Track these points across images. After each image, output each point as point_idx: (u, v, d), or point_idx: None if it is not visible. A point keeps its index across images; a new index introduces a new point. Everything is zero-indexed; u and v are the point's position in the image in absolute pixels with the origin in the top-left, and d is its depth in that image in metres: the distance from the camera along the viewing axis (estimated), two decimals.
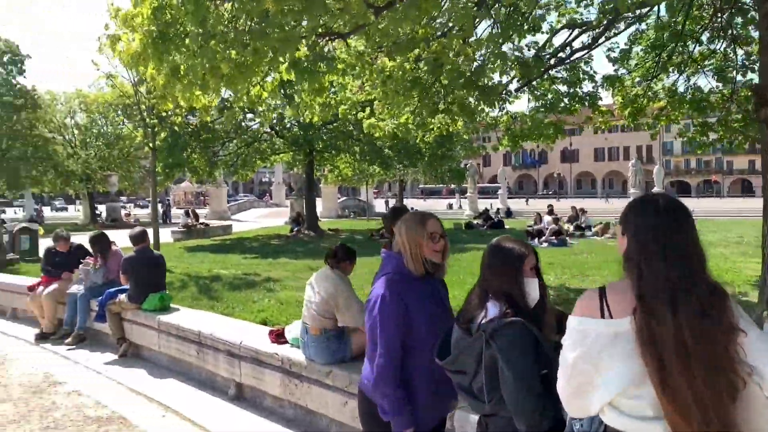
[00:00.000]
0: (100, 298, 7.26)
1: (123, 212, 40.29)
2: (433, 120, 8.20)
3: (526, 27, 6.84)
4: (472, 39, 5.62)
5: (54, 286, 8.14)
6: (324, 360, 4.62)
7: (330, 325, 4.67)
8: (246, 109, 16.58)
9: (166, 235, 24.21)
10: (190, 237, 23.63)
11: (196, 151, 20.40)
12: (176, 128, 17.11)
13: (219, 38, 4.25)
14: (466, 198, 44.27)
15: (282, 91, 13.88)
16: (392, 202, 55.22)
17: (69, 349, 7.45)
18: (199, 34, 4.22)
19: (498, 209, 38.74)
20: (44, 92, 35.89)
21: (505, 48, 6.11)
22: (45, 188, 36.55)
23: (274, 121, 21.67)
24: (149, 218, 40.18)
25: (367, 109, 9.92)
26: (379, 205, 52.54)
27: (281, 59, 4.47)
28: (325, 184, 35.60)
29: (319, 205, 40.15)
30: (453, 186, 78.30)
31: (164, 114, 13.46)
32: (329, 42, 5.47)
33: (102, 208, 40.38)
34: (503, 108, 9.55)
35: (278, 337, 5.30)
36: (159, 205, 42.99)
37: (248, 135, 22.83)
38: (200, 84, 4.69)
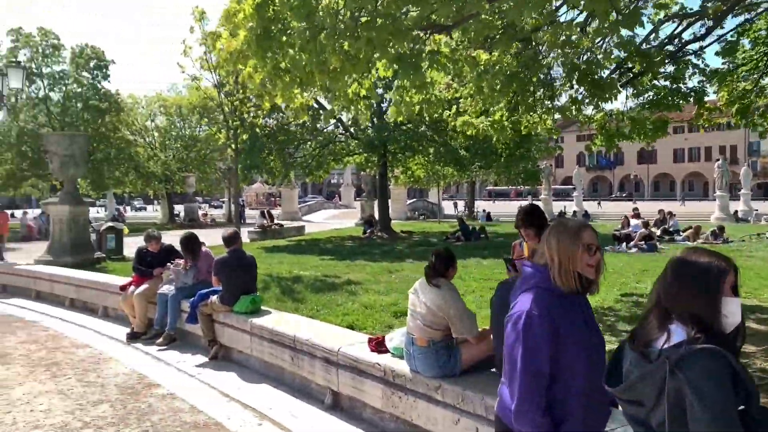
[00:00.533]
0: (192, 299, 7.23)
1: (200, 212, 41.45)
2: (525, 117, 7.80)
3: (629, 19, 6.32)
4: (590, 27, 5.21)
5: (145, 286, 8.20)
6: (432, 373, 4.32)
7: (438, 336, 4.37)
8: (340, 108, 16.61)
9: (242, 235, 24.64)
10: (265, 237, 23.92)
11: (273, 153, 20.58)
12: (257, 130, 17.29)
13: (328, 32, 4.03)
14: (540, 200, 43.13)
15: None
16: (461, 204, 54.55)
17: (160, 350, 7.47)
18: (306, 28, 4.01)
19: (574, 212, 37.59)
20: (126, 96, 37.38)
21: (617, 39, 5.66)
22: (127, 189, 38.06)
23: (349, 122, 21.67)
24: (224, 218, 41.36)
25: (453, 108, 9.58)
26: (448, 207, 51.99)
27: (392, 51, 4.21)
28: (395, 185, 35.47)
29: (390, 206, 40.03)
30: (521, 188, 76.84)
31: (246, 116, 13.57)
32: (430, 36, 5.19)
33: (179, 208, 41.71)
34: (598, 104, 9.04)
35: (378, 345, 5.04)
36: (232, 206, 44.13)
37: (323, 137, 22.92)
38: (304, 81, 4.50)
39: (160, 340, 7.60)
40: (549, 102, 8.88)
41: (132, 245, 18.70)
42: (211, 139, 32.22)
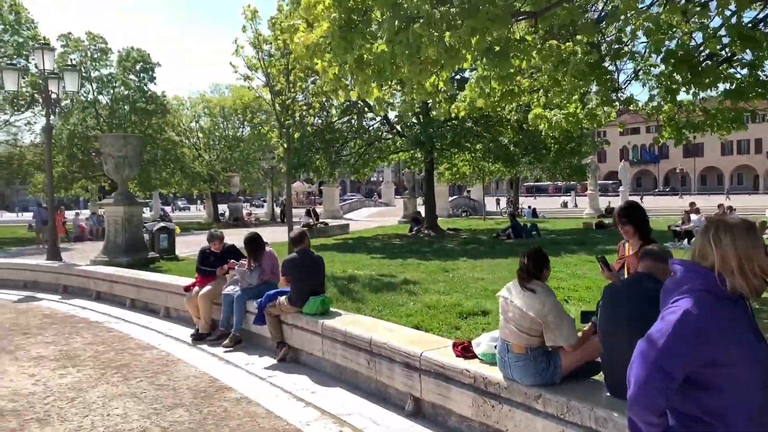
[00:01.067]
0: (259, 300, 7.11)
1: (244, 212, 41.83)
2: (599, 109, 7.46)
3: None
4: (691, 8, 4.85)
5: (208, 287, 8.13)
6: (530, 381, 4.07)
7: (536, 342, 4.12)
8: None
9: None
10: (311, 236, 23.81)
11: (320, 152, 20.53)
12: (309, 129, 17.24)
13: (423, 21, 3.80)
14: (585, 196, 42.28)
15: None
16: (503, 201, 53.87)
17: (226, 351, 7.38)
18: (393, 18, 3.80)
19: None
20: (172, 97, 37.94)
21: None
22: (173, 189, 38.62)
23: (396, 119, 21.46)
24: (267, 217, 41.59)
25: (516, 100, 9.28)
26: (490, 204, 51.34)
27: (488, 39, 3.96)
28: (438, 182, 35.15)
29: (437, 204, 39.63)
30: (560, 183, 75.32)
31: (298, 115, 13.50)
32: (515, 23, 4.92)
33: (222, 207, 42.17)
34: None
35: (464, 350, 4.81)
36: (274, 205, 44.44)
37: (369, 135, 22.80)
38: (389, 74, 4.28)
39: (227, 341, 7.51)
40: (614, 94, 8.52)
41: (181, 245, 18.92)
42: (254, 139, 32.38)
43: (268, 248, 8.01)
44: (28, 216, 36.67)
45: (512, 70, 5.08)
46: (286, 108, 13.30)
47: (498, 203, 52.89)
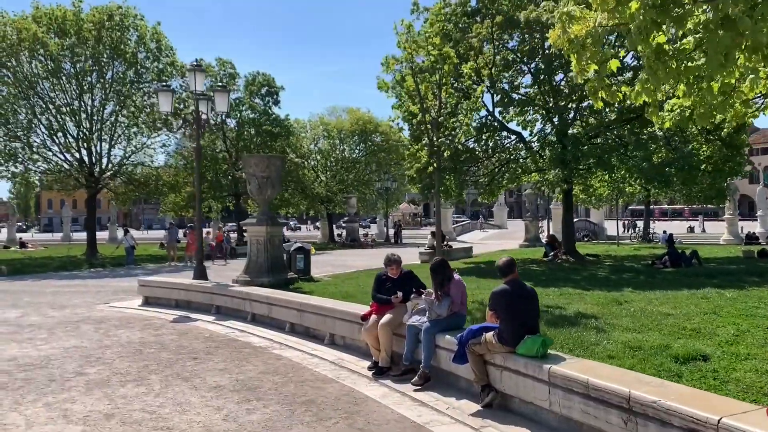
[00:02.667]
0: (459, 335, 6.31)
1: (361, 232, 41.85)
2: None
3: None
4: None
5: (389, 316, 7.44)
6: None
7: None
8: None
9: (413, 255, 24.09)
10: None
11: (451, 173, 19.76)
12: (460, 147, 16.57)
13: None
14: (723, 220, 38.93)
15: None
16: (635, 224, 50.81)
17: (416, 390, 6.62)
18: None
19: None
20: (293, 121, 38.76)
21: None
22: (293, 209, 39.31)
23: (533, 137, 20.34)
24: (379, 238, 41.32)
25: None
26: (611, 228, 48.46)
27: None
28: (555, 205, 33.46)
29: (551, 228, 37.87)
30: (666, 207, 69.83)
31: (449, 132, 12.83)
32: None
33: (338, 227, 42.49)
34: None
35: None
36: (386, 226, 44.19)
37: (506, 153, 21.80)
38: (703, 65, 3.37)
39: (415, 379, 6.75)
40: None
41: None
42: (399, 158, 32.20)
43: (456, 276, 7.23)
44: (154, 233, 38.44)
45: None
46: (438, 126, 12.65)
47: (625, 227, 49.73)
